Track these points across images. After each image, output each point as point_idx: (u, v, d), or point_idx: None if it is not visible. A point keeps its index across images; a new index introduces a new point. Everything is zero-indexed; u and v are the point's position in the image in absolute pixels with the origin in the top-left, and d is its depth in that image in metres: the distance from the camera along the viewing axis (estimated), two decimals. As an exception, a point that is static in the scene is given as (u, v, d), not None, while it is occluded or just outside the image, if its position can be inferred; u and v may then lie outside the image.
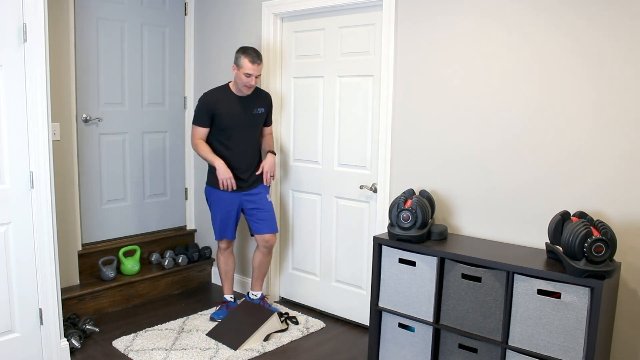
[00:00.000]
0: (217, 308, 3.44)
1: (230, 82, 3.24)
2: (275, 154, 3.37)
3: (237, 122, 3.18)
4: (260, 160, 3.34)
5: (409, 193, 2.70)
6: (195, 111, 3.19)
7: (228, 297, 3.45)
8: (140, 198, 3.90)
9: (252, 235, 3.39)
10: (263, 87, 3.55)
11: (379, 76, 3.05)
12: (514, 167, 2.58)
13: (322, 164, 3.44)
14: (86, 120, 3.52)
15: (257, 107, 3.26)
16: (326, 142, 3.39)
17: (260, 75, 3.13)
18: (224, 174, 3.13)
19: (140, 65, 3.78)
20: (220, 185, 3.16)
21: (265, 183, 3.30)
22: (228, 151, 3.20)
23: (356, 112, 3.21)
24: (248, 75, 3.06)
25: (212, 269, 4.13)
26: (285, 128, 3.60)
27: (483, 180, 2.69)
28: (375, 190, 3.14)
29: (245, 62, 3.05)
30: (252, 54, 3.07)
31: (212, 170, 3.23)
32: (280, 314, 3.35)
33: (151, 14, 3.80)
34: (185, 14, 4.01)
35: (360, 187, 3.20)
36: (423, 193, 2.73)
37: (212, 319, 3.34)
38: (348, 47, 3.21)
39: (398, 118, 2.96)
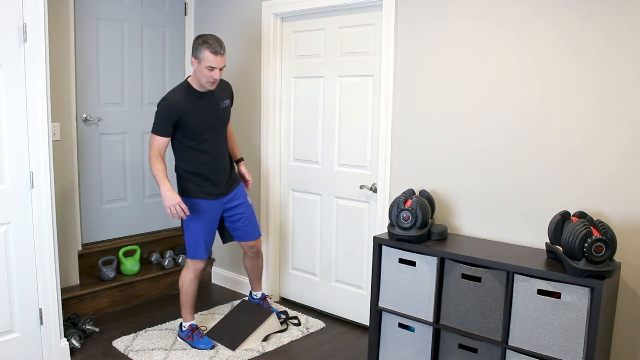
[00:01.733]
0: (197, 336, 2.98)
1: (188, 77, 2.87)
2: (243, 159, 3.24)
3: (207, 123, 2.86)
4: (231, 159, 3.12)
5: (409, 193, 2.70)
6: (156, 118, 2.76)
7: (195, 323, 3.07)
8: (140, 198, 3.90)
9: (231, 241, 3.21)
10: (262, 89, 3.55)
11: (379, 76, 3.05)
12: (514, 167, 2.58)
13: (322, 164, 3.44)
14: (86, 120, 3.52)
15: (223, 99, 2.95)
16: (326, 142, 3.39)
17: (224, 67, 2.78)
18: (171, 199, 2.70)
19: (140, 65, 3.78)
20: (170, 214, 2.74)
21: (248, 189, 3.15)
22: (205, 156, 2.88)
23: (356, 112, 3.21)
24: (211, 69, 2.70)
25: (212, 269, 4.13)
26: (285, 128, 3.60)
27: (483, 180, 2.69)
28: (375, 190, 3.14)
29: (206, 53, 2.68)
30: (213, 43, 2.70)
31: (185, 176, 2.89)
32: (280, 315, 3.35)
33: (151, 14, 3.80)
34: (185, 14, 4.01)
35: (360, 187, 3.20)
36: (423, 193, 2.73)
37: (212, 347, 2.96)
38: (348, 47, 3.21)
39: (398, 118, 2.96)
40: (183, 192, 2.92)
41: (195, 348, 2.96)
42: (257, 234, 3.19)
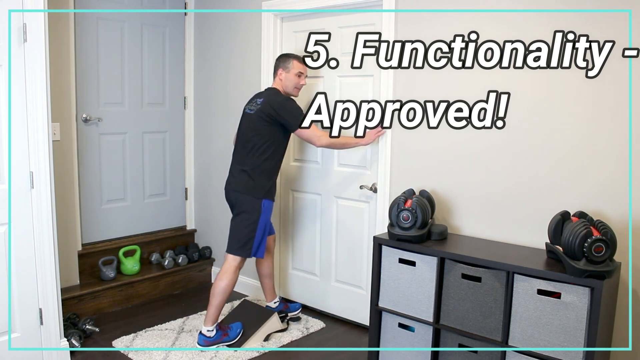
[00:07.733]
0: (227, 329, 2.99)
1: (274, 88, 3.08)
2: None
3: None
4: None
5: (409, 193, 2.70)
6: (297, 111, 2.90)
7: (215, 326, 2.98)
8: (140, 198, 3.90)
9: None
10: (263, 87, 3.55)
11: (379, 76, 3.05)
12: (514, 167, 2.58)
13: (322, 164, 3.44)
14: (86, 120, 3.52)
15: None
16: (326, 142, 3.39)
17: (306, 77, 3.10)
18: (373, 135, 2.98)
19: (140, 65, 3.78)
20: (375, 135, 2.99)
21: None
22: (280, 159, 3.02)
23: (356, 112, 3.21)
24: (299, 75, 3.03)
25: (212, 269, 4.13)
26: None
27: (483, 180, 2.69)
28: (375, 190, 3.14)
29: (295, 62, 3.03)
30: (298, 55, 3.07)
31: (269, 178, 2.95)
32: (281, 312, 3.34)
33: (151, 14, 3.80)
34: (185, 14, 4.00)
35: (360, 187, 3.20)
36: (423, 193, 2.73)
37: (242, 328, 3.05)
38: (348, 47, 3.21)
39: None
40: (266, 194, 2.95)
41: (236, 338, 2.97)
42: None
